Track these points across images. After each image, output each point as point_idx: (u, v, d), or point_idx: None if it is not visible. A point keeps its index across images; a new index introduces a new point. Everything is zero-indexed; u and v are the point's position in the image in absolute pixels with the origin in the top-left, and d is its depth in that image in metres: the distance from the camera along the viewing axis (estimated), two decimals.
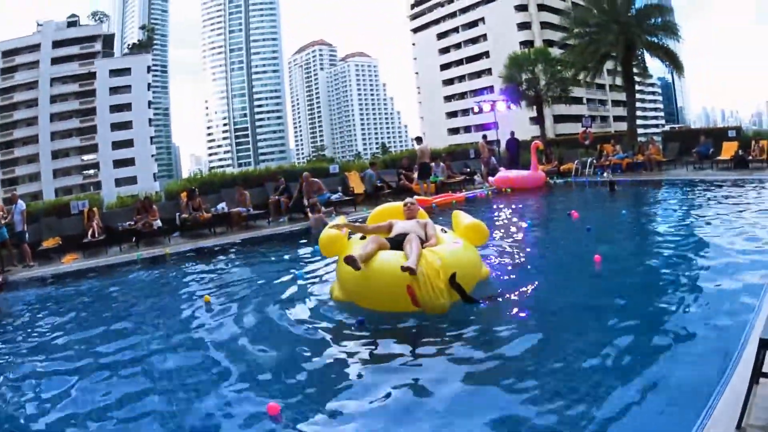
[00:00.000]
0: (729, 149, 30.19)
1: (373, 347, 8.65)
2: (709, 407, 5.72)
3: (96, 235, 21.08)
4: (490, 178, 30.92)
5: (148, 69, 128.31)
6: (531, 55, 59.56)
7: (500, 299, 10.31)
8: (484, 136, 35.14)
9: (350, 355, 8.38)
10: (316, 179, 25.36)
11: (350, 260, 9.35)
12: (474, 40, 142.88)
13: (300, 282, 13.14)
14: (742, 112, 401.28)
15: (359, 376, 7.69)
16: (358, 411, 6.69)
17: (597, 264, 12.32)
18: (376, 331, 9.27)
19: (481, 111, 41.90)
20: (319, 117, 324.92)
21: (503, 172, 30.44)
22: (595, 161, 33.65)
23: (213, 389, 7.53)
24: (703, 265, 11.99)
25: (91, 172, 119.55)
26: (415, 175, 29.35)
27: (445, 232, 11.30)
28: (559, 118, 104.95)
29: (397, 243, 10.03)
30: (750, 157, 28.76)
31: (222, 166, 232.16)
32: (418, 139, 30.01)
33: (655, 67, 49.61)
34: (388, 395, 6.94)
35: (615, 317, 9.17)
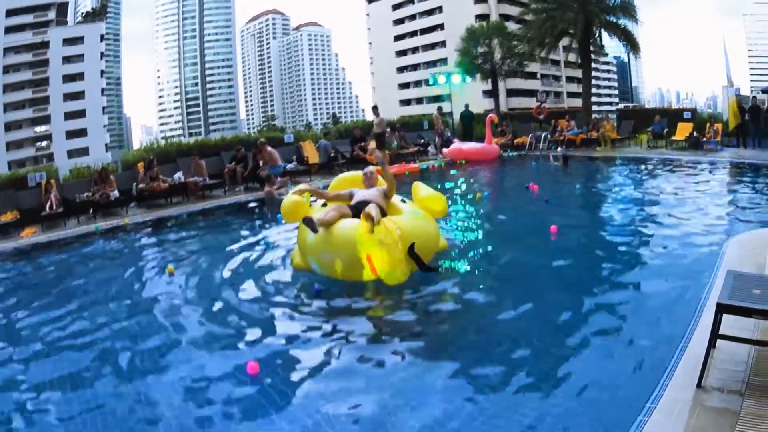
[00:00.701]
0: (684, 130, 30.63)
1: (332, 317, 8.79)
2: (670, 368, 6.07)
3: (54, 208, 20.76)
4: (444, 150, 31.14)
5: (102, 38, 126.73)
6: (488, 29, 59.63)
7: (458, 269, 10.50)
8: (439, 108, 35.26)
9: (310, 326, 8.54)
10: (271, 149, 25.28)
11: (308, 221, 9.49)
12: (429, 12, 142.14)
13: (260, 250, 13.43)
14: (697, 95, 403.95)
15: (317, 345, 7.87)
16: (315, 381, 6.93)
17: (553, 234, 12.71)
18: (335, 300, 9.47)
19: (436, 83, 42.06)
20: (270, 87, 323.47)
21: (457, 144, 30.77)
22: (549, 136, 33.93)
23: (179, 358, 7.73)
24: (659, 235, 12.47)
25: (44, 143, 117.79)
26: (371, 145, 29.37)
27: (405, 202, 11.41)
28: (512, 92, 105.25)
29: (358, 211, 10.07)
30: (704, 139, 29.16)
31: (173, 136, 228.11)
32: (375, 109, 30.05)
33: (611, 45, 50.10)
34: (344, 368, 7.21)
35: (575, 284, 9.67)
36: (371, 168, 11.95)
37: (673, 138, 30.58)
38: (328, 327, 8.40)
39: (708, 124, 30.14)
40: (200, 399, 6.70)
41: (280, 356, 7.62)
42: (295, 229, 11.69)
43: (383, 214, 10.24)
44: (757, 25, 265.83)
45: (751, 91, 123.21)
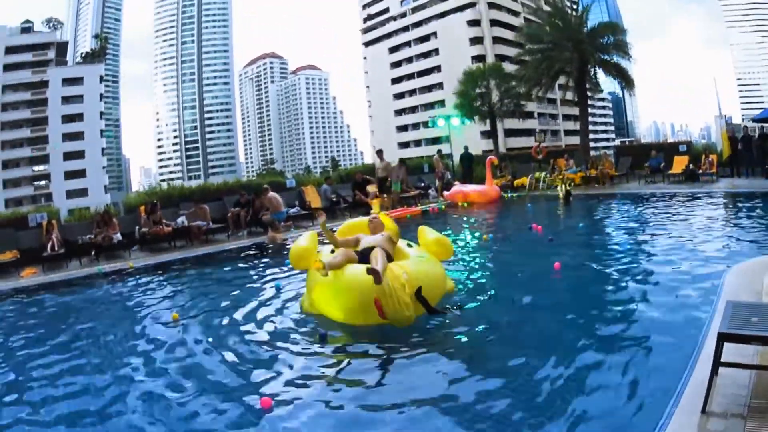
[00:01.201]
0: (680, 163, 31.21)
1: (342, 361, 8.83)
2: (676, 395, 6.18)
3: (55, 249, 20.88)
4: (445, 192, 31.21)
5: (101, 79, 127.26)
6: (485, 71, 59.84)
7: (462, 310, 10.58)
8: (439, 150, 35.42)
9: (316, 371, 8.51)
10: (274, 195, 25.24)
11: (319, 269, 9.74)
12: (426, 55, 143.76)
13: (265, 295, 13.38)
14: (691, 126, 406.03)
15: (327, 386, 7.93)
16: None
17: (556, 271, 12.82)
18: (342, 345, 9.53)
19: (435, 125, 42.34)
20: (269, 130, 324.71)
21: (458, 186, 30.82)
22: (548, 176, 33.96)
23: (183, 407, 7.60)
24: (660, 269, 12.53)
25: (42, 183, 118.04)
26: (372, 188, 29.48)
27: (410, 246, 11.57)
28: (510, 132, 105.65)
29: (365, 257, 10.19)
30: (700, 171, 29.68)
31: (172, 179, 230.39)
32: (379, 153, 29.99)
33: (606, 81, 50.32)
34: (350, 410, 7.15)
35: (580, 320, 9.72)
36: (376, 214, 12.32)
37: (670, 172, 31.07)
38: (331, 372, 8.43)
39: (703, 156, 30.62)
40: None
41: (285, 402, 7.52)
42: (302, 273, 11.87)
43: (389, 259, 10.36)
44: (744, 54, 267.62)
45: (743, 120, 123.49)
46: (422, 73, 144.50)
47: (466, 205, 29.17)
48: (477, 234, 20.95)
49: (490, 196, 30.14)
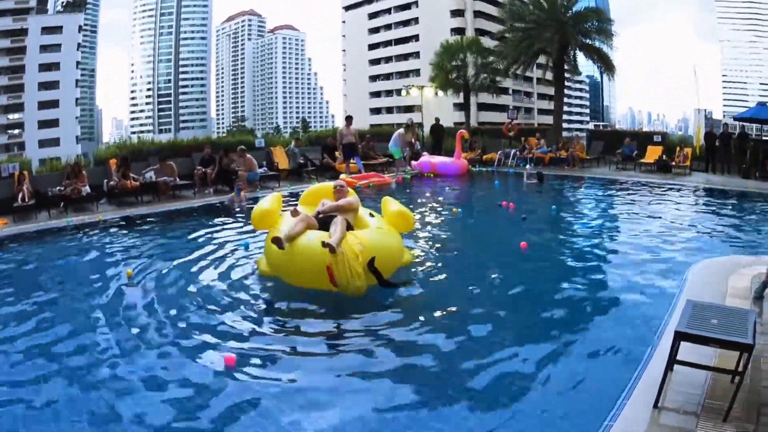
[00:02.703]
0: (653, 153, 31.14)
1: (289, 325, 9.04)
2: (629, 388, 6.38)
3: (26, 200, 20.78)
4: (413, 162, 31.25)
5: (80, 28, 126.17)
6: (463, 44, 59.58)
7: (416, 284, 10.79)
8: (410, 120, 35.36)
9: (266, 332, 8.81)
10: (250, 156, 25.58)
11: (276, 241, 9.86)
12: (405, 23, 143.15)
13: (224, 254, 13.69)
14: (668, 117, 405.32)
15: (271, 351, 8.11)
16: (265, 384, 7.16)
17: (522, 249, 13.07)
18: (294, 309, 9.72)
19: (409, 94, 42.32)
20: (242, 88, 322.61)
21: (426, 157, 30.83)
22: (518, 153, 34.09)
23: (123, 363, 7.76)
24: (623, 259, 12.70)
25: (16, 131, 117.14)
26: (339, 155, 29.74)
27: (372, 216, 11.75)
28: (483, 107, 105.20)
29: (326, 224, 10.40)
30: (673, 163, 29.72)
31: (143, 132, 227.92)
32: (348, 119, 29.93)
33: (586, 65, 50.27)
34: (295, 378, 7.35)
35: (538, 304, 9.86)
36: (341, 181, 12.36)
37: (642, 161, 31.03)
38: (278, 336, 8.69)
39: (678, 148, 30.69)
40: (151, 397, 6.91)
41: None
42: (262, 235, 12.04)
43: (349, 227, 10.53)
44: (733, 51, 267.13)
45: (723, 116, 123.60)
46: (400, 41, 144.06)
47: (432, 176, 29.40)
48: (446, 207, 21.01)
49: (458, 169, 30.14)
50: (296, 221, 10.44)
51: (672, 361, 6.19)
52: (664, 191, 24.04)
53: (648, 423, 5.71)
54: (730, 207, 20.95)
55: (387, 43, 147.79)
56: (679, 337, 6.07)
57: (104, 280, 11.91)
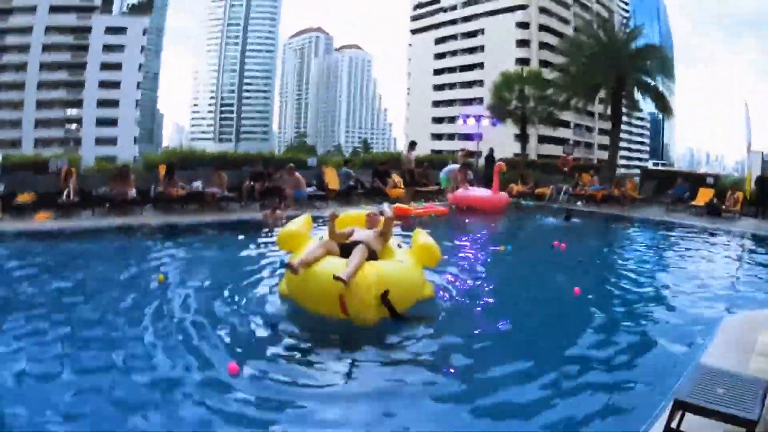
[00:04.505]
0: (704, 195, 30.37)
1: (299, 349, 8.98)
2: None
3: (71, 197, 20.97)
4: (449, 195, 30.07)
5: (144, 31, 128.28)
6: (523, 75, 59.26)
7: (432, 322, 10.43)
8: (464, 151, 34.87)
9: (273, 352, 8.77)
10: (298, 174, 25.72)
11: (289, 266, 9.81)
12: (471, 50, 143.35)
13: (257, 270, 13.68)
14: (727, 158, 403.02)
15: (276, 370, 8.01)
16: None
17: (576, 294, 12.49)
18: (304, 332, 9.66)
19: (465, 123, 42.05)
20: (305, 104, 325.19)
21: (461, 191, 29.33)
22: (570, 189, 33.62)
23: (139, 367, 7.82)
24: (652, 310, 12.16)
25: (73, 126, 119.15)
26: (397, 178, 29.69)
27: (400, 247, 11.54)
28: (543, 139, 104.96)
29: (349, 250, 10.20)
30: (723, 207, 28.89)
31: (203, 139, 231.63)
32: (412, 145, 29.47)
33: (646, 102, 49.78)
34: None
35: (553, 352, 9.39)
36: (380, 209, 12.11)
37: (693, 203, 30.31)
38: (283, 356, 8.66)
39: (729, 192, 29.88)
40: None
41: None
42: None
43: (374, 257, 10.45)
44: None
45: None
46: (465, 68, 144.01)
47: (465, 209, 28.20)
48: (493, 243, 20.66)
49: (496, 203, 28.78)
50: (316, 247, 10.34)
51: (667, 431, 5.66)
52: (711, 236, 23.48)
53: None
54: None
55: (452, 70, 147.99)
56: (679, 406, 5.62)
57: (135, 283, 12.16)
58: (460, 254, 17.41)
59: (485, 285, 13.73)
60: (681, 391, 5.71)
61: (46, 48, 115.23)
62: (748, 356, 8.40)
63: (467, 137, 47.71)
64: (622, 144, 48.85)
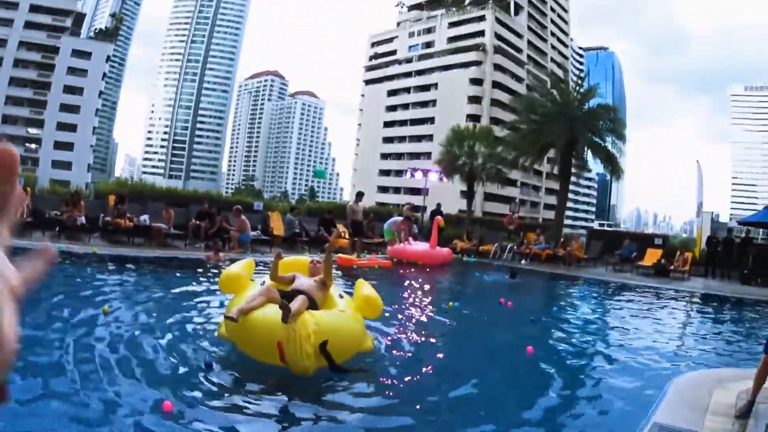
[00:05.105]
0: (652, 256, 30.88)
1: (233, 392, 8.89)
2: None
3: (24, 216, 20.79)
4: (389, 248, 29.75)
5: (108, 58, 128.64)
6: (473, 133, 59.50)
7: (373, 375, 10.31)
8: (409, 206, 35.05)
9: (203, 394, 8.58)
10: (245, 218, 25.89)
11: (229, 318, 9.77)
12: (423, 104, 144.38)
13: (199, 309, 13.79)
14: (674, 218, 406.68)
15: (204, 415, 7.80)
16: None
17: (529, 354, 12.24)
18: (226, 376, 9.54)
19: (413, 177, 42.32)
20: (256, 147, 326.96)
21: (398, 246, 29.08)
22: (515, 247, 34.00)
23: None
24: (598, 368, 12.10)
25: (33, 146, 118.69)
26: (341, 228, 29.85)
27: (341, 297, 11.50)
28: (489, 197, 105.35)
29: (290, 298, 10.15)
30: (672, 267, 29.31)
31: (154, 173, 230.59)
32: (359, 195, 29.53)
33: (595, 163, 50.14)
34: None
35: (493, 408, 9.24)
36: (318, 258, 12.28)
37: (641, 263, 30.72)
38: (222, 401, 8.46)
39: (678, 252, 30.27)
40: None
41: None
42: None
43: (315, 306, 10.53)
44: (744, 152, 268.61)
45: (730, 219, 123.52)
46: (415, 122, 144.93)
47: (406, 263, 27.88)
48: (440, 298, 20.50)
49: (434, 258, 28.52)
50: (256, 294, 10.31)
51: None
52: (659, 296, 23.52)
53: None
54: (726, 314, 20.67)
55: (403, 122, 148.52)
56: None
57: (79, 312, 12.07)
58: (405, 309, 17.31)
59: (431, 340, 13.69)
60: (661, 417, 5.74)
61: (17, 63, 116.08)
62: (702, 415, 8.49)
63: (414, 191, 47.91)
64: (569, 204, 49.17)
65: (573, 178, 49.88)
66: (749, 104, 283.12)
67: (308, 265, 11.96)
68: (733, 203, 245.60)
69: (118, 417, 7.34)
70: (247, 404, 8.30)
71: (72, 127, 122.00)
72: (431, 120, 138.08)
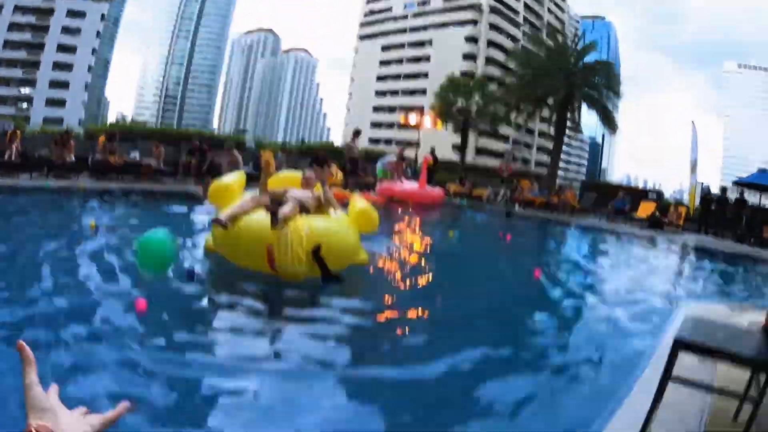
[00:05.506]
0: (646, 209, 30.44)
1: (215, 303, 8.71)
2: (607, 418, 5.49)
3: (12, 158, 20.92)
4: (377, 187, 29.02)
5: (102, 17, 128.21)
6: (470, 83, 59.22)
7: (364, 286, 10.35)
8: (402, 148, 34.73)
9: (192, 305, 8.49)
10: (236, 152, 25.63)
11: (217, 221, 9.50)
12: (416, 59, 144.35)
13: (185, 229, 13.96)
14: (664, 186, 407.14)
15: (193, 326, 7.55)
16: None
17: (537, 276, 12.29)
18: (222, 285, 9.56)
19: (407, 120, 42.03)
20: (247, 101, 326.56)
21: (387, 183, 28.81)
22: (509, 193, 33.87)
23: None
24: (607, 298, 11.93)
25: (24, 105, 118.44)
26: (334, 169, 29.08)
27: (336, 211, 11.19)
28: (481, 151, 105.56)
29: (279, 206, 9.75)
30: (666, 220, 29.01)
31: None
32: (356, 133, 29.08)
33: (588, 125, 50.02)
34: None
35: (503, 327, 9.04)
36: (311, 171, 11.83)
37: (635, 215, 30.22)
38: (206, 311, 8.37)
39: (671, 207, 30.38)
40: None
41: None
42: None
43: (306, 212, 10.18)
44: (737, 128, 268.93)
45: (722, 180, 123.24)
46: (408, 77, 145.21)
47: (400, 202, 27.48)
48: (438, 229, 20.83)
49: (424, 197, 28.40)
50: (248, 200, 10.08)
51: (666, 377, 4.83)
52: (655, 244, 23.42)
53: None
54: (721, 265, 20.14)
55: (396, 77, 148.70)
56: (679, 346, 4.79)
57: (66, 229, 12.36)
58: (403, 234, 17.48)
59: (430, 263, 13.61)
60: (680, 335, 5.01)
61: (11, 26, 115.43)
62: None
63: (406, 144, 47.47)
64: (561, 164, 48.83)
65: (566, 139, 49.67)
66: (742, 82, 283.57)
67: (300, 180, 11.40)
68: (725, 174, 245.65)
69: (93, 315, 7.23)
70: (229, 312, 8.14)
71: (64, 85, 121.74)
72: (425, 75, 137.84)
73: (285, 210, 9.19)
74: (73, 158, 22.33)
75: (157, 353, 6.36)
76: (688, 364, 5.50)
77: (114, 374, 5.64)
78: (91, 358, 5.90)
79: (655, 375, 5.38)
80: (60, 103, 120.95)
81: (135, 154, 24.21)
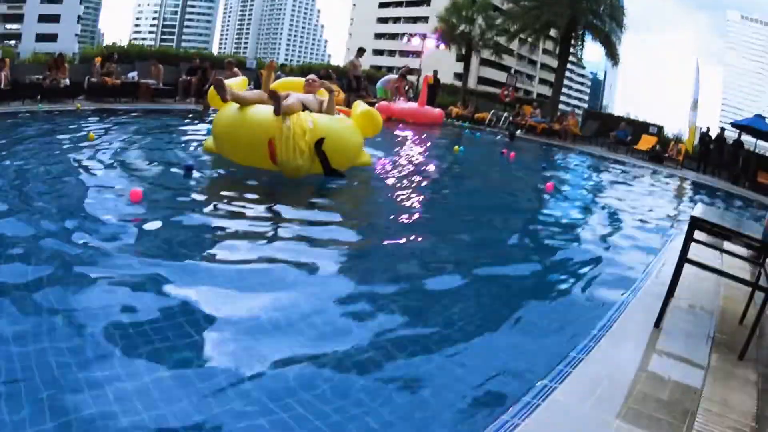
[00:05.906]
0: (647, 142, 30.67)
1: (206, 193, 8.77)
2: (622, 303, 5.97)
3: (2, 86, 20.29)
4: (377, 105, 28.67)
5: None
6: (473, 6, 58.84)
7: (367, 187, 10.59)
8: (405, 68, 34.13)
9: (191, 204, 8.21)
10: (237, 70, 24.69)
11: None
12: None
13: (187, 137, 14.17)
14: (665, 127, 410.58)
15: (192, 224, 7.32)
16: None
17: (549, 190, 12.72)
18: (213, 182, 9.54)
19: (410, 42, 41.78)
20: (247, 29, 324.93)
21: (385, 103, 28.14)
22: (511, 117, 33.79)
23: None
24: (611, 214, 12.10)
25: (12, 42, 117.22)
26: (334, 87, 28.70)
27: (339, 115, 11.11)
28: (483, 81, 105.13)
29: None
30: (666, 154, 29.14)
31: None
32: (360, 51, 28.22)
33: (590, 60, 49.76)
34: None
35: (505, 237, 8.96)
36: (313, 76, 11.94)
37: (636, 147, 30.36)
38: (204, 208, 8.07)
39: (672, 142, 30.28)
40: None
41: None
42: None
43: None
44: (737, 78, 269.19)
45: (720, 122, 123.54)
46: (411, 4, 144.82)
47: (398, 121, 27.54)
48: (441, 144, 21.15)
49: (423, 116, 28.23)
50: (249, 92, 10.12)
51: (684, 256, 5.36)
52: (655, 176, 23.58)
53: (646, 343, 5.10)
54: (719, 202, 19.94)
55: (398, 3, 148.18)
56: (696, 225, 5.29)
57: (67, 140, 12.31)
58: (411, 146, 18.04)
59: (435, 174, 13.61)
60: (696, 215, 5.43)
61: None
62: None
63: (409, 71, 47.17)
64: (561, 97, 48.74)
65: (567, 74, 49.43)
66: (744, 33, 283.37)
67: (303, 84, 11.40)
68: (722, 122, 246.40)
69: (92, 202, 7.43)
70: (225, 207, 7.98)
71: (54, 18, 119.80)
72: (427, 2, 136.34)
73: (288, 101, 9.06)
74: (68, 82, 21.80)
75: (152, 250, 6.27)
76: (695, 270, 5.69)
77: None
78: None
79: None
80: (51, 37, 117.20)
81: (133, 75, 23.67)
